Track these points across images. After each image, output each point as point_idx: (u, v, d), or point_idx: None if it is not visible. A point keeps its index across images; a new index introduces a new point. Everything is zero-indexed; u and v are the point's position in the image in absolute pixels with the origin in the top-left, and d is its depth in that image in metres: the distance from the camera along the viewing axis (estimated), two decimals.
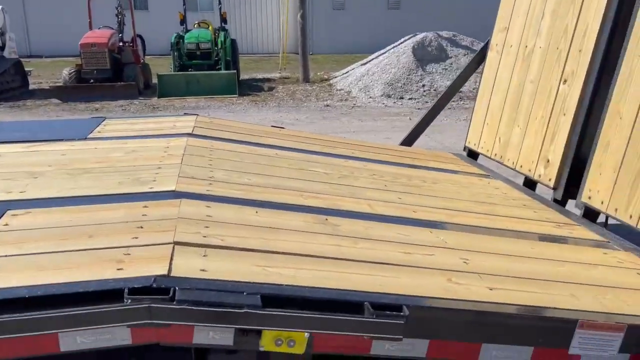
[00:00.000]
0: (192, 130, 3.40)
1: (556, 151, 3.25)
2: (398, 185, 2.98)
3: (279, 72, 16.28)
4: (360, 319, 1.50)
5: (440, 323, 1.61)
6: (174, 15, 15.64)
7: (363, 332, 1.51)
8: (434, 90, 12.12)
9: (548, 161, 3.31)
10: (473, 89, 10.38)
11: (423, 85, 12.19)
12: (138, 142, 3.08)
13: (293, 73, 15.45)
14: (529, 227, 2.61)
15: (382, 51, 14.04)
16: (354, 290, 1.60)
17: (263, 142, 3.43)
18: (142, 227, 1.82)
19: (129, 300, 1.37)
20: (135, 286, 1.41)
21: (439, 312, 1.60)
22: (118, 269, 1.51)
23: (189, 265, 1.57)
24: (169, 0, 20.32)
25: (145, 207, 2.02)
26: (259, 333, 1.47)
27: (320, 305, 1.52)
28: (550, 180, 3.27)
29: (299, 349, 1.50)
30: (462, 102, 11.29)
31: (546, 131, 3.36)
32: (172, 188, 2.25)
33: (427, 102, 11.58)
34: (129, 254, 1.62)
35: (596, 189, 2.87)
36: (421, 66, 12.74)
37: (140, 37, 14.06)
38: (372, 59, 13.94)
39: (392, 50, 13.54)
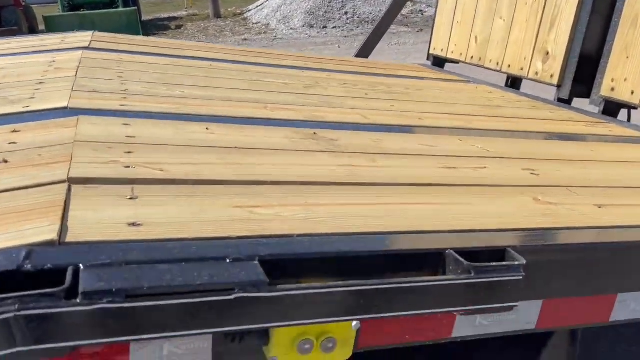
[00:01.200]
0: (89, 45, 2.48)
1: (558, 40, 2.64)
2: (381, 93, 2.26)
3: (185, 10, 14.81)
4: (450, 282, 0.79)
5: (559, 271, 0.95)
6: None
7: (454, 304, 0.81)
8: (358, 17, 11.34)
9: (547, 54, 2.70)
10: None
11: (346, 13, 11.37)
12: (9, 60, 2.14)
13: (201, 10, 14.08)
14: (562, 128, 2.00)
15: None
16: (415, 232, 0.89)
17: (191, 55, 2.58)
18: (6, 162, 1.00)
19: None
20: None
21: (559, 252, 0.94)
22: None
23: (105, 217, 0.79)
24: None
25: (15, 131, 1.18)
26: (264, 335, 0.75)
27: (364, 266, 0.80)
28: (552, 76, 2.67)
29: (344, 353, 0.79)
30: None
31: (542, 17, 2.73)
32: (64, 104, 1.41)
33: (352, 30, 10.81)
34: None
35: (622, 77, 2.30)
36: None
37: None
38: None
39: None
